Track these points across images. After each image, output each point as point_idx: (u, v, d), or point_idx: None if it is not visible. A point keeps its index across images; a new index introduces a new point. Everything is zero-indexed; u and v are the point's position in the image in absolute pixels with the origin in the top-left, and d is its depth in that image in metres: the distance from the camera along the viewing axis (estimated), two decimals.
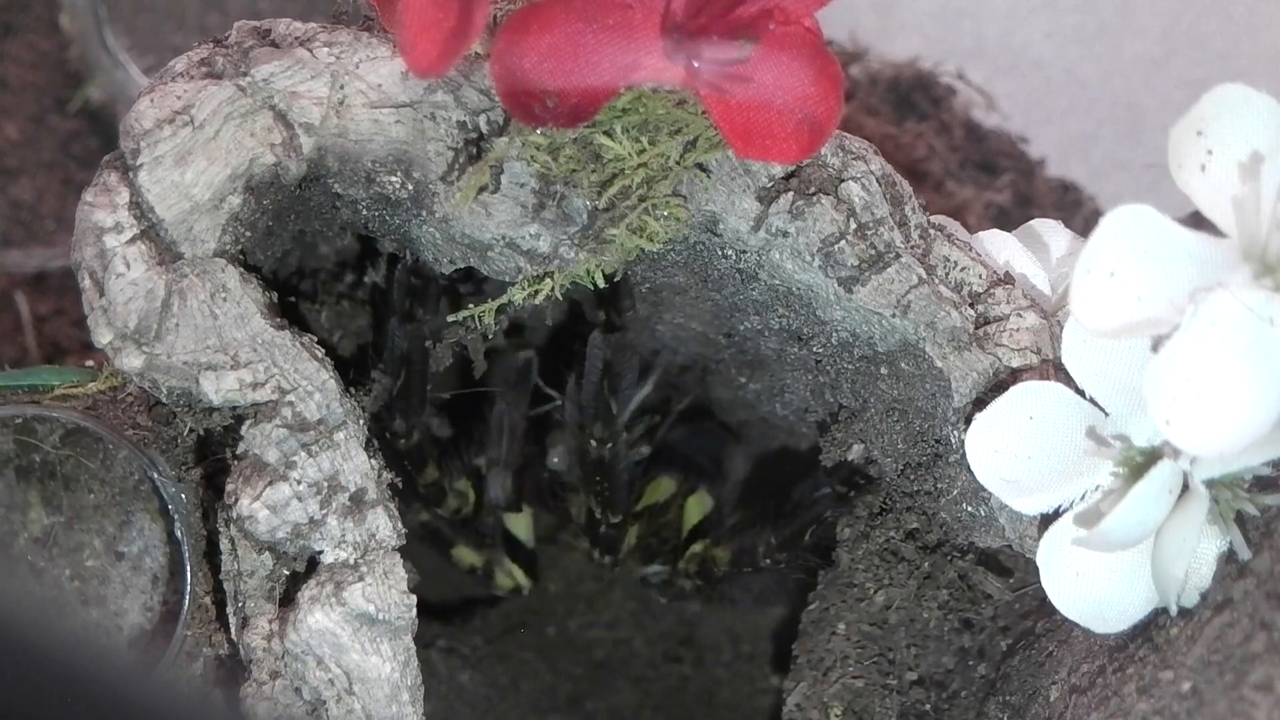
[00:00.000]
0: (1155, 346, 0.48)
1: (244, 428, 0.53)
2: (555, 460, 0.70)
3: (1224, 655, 0.47)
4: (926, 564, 0.61)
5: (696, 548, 0.70)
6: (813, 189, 0.55)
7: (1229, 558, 0.50)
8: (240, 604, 0.53)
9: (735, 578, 0.68)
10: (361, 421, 0.55)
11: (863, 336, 0.57)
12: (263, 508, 0.52)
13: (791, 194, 0.55)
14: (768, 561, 0.65)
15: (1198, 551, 0.50)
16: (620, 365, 0.60)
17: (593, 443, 0.62)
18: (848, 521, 0.62)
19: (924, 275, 0.56)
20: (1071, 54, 0.99)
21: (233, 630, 0.54)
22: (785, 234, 0.55)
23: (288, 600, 0.53)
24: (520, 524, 0.70)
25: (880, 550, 0.62)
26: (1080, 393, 0.52)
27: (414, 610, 0.53)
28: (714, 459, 0.73)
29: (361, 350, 0.64)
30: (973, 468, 0.53)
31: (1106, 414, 0.52)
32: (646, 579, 0.73)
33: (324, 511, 0.53)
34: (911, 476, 0.60)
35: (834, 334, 0.58)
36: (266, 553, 0.53)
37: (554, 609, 0.80)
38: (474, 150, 0.53)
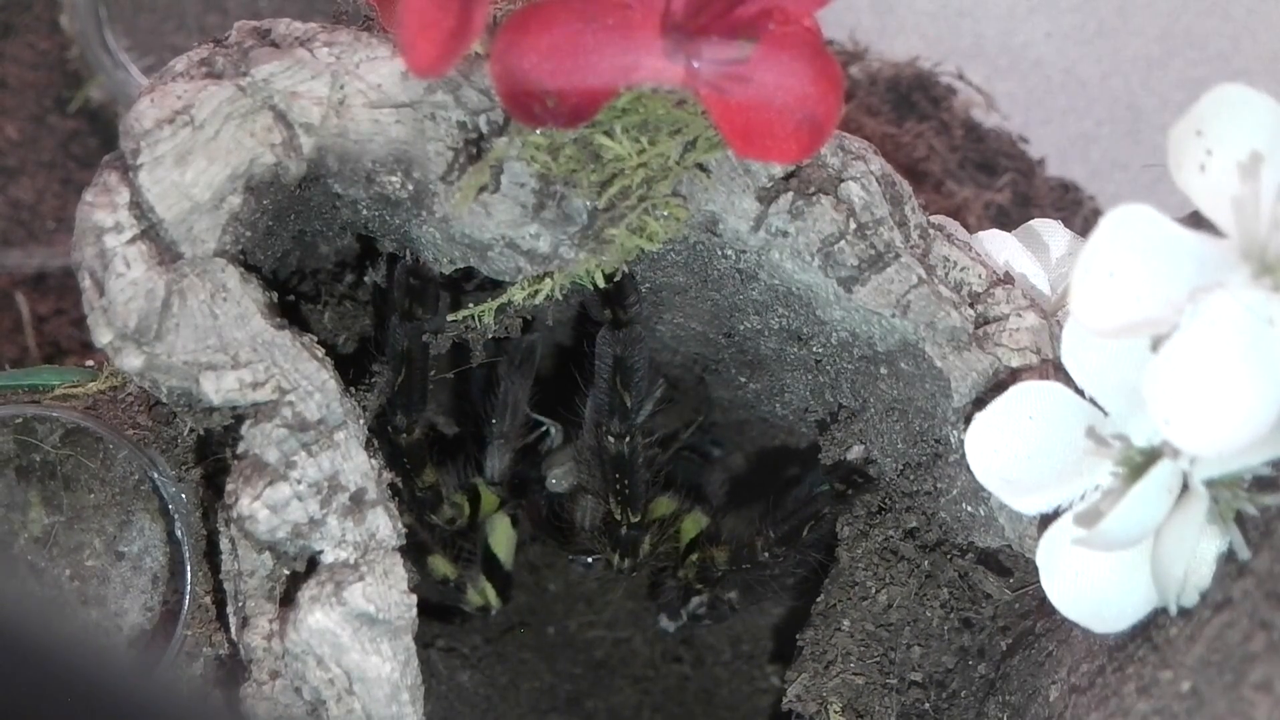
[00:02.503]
0: (1155, 346, 0.48)
1: (244, 427, 0.53)
2: (554, 482, 0.70)
3: (1223, 655, 0.47)
4: (926, 563, 0.61)
5: (694, 556, 0.70)
6: (812, 189, 0.55)
7: (1228, 557, 0.50)
8: (240, 604, 0.53)
9: (734, 576, 0.68)
10: (361, 421, 0.55)
11: (862, 336, 0.57)
12: (263, 507, 0.52)
13: (791, 194, 0.55)
14: (765, 555, 0.65)
15: (1197, 551, 0.50)
16: (631, 360, 0.60)
17: (610, 439, 0.62)
18: (847, 520, 0.63)
19: (924, 275, 0.56)
20: (1071, 54, 1.00)
21: (233, 630, 0.54)
22: (785, 234, 0.55)
23: (288, 600, 0.53)
24: (501, 543, 0.71)
25: (879, 549, 0.62)
26: (1080, 392, 0.52)
27: (414, 610, 0.53)
28: (695, 485, 0.73)
29: (362, 347, 0.65)
30: (972, 467, 0.53)
31: (1106, 413, 0.52)
32: (666, 616, 0.74)
33: (324, 511, 0.53)
34: (911, 476, 0.60)
35: (834, 334, 0.58)
36: (266, 552, 0.53)
37: (554, 609, 0.80)
38: (474, 150, 0.53)
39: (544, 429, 0.71)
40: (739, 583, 0.69)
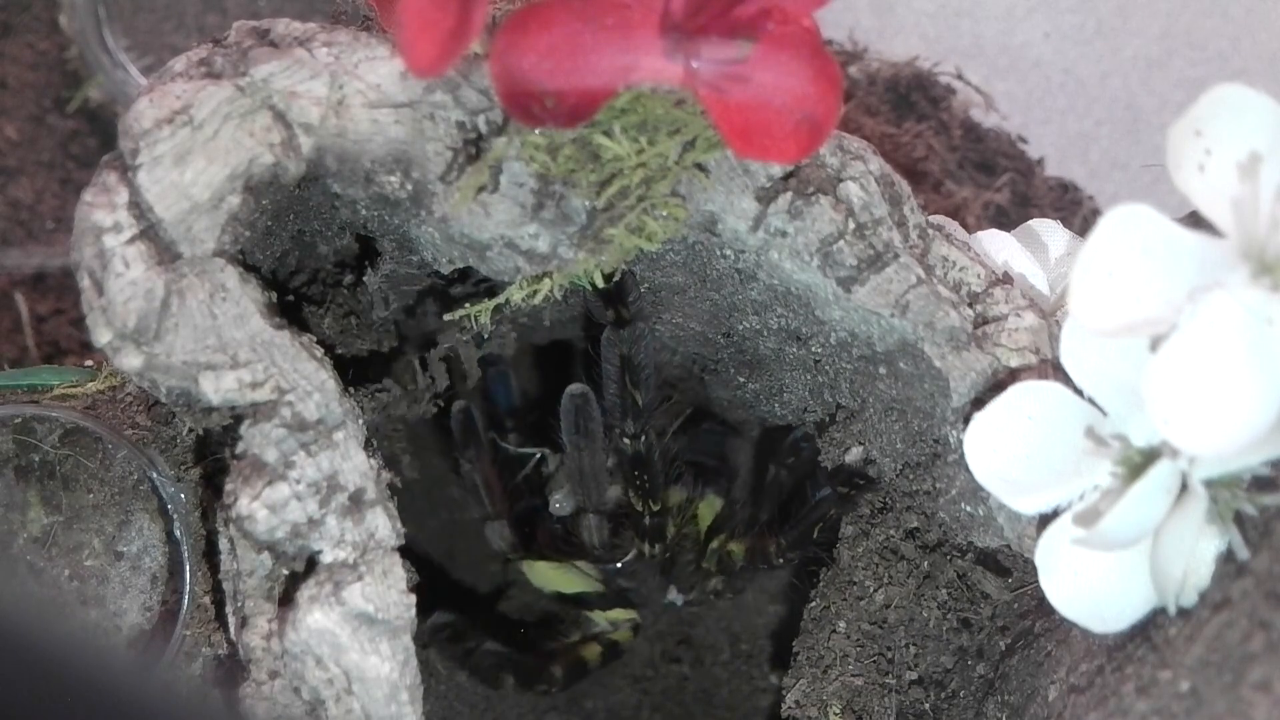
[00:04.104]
0: (1154, 346, 0.48)
1: (243, 427, 0.53)
2: (558, 505, 0.70)
3: (1222, 655, 0.47)
4: (926, 563, 0.61)
5: (715, 544, 0.71)
6: (811, 189, 0.55)
7: (1227, 557, 0.50)
8: (239, 604, 0.53)
9: (751, 573, 0.70)
10: (360, 421, 0.55)
11: (861, 336, 0.57)
12: (262, 507, 0.52)
13: (790, 194, 0.55)
14: (780, 561, 0.66)
15: (1196, 551, 0.50)
16: (638, 358, 0.61)
17: (625, 440, 0.63)
18: (850, 519, 0.63)
19: (922, 275, 0.56)
20: (1070, 54, 1.00)
21: (232, 630, 0.54)
22: (784, 234, 0.55)
23: (287, 600, 0.53)
24: (552, 579, 0.73)
25: (880, 549, 0.62)
26: (1079, 392, 0.52)
27: (413, 610, 0.53)
28: (720, 456, 0.74)
29: (358, 345, 0.65)
30: (971, 467, 0.53)
31: (1105, 413, 0.52)
32: (672, 603, 0.74)
33: (323, 511, 0.53)
34: (910, 476, 0.60)
35: (832, 334, 0.58)
36: (265, 552, 0.53)
37: None
38: (473, 150, 0.53)
39: (537, 455, 0.71)
40: (756, 581, 0.71)
